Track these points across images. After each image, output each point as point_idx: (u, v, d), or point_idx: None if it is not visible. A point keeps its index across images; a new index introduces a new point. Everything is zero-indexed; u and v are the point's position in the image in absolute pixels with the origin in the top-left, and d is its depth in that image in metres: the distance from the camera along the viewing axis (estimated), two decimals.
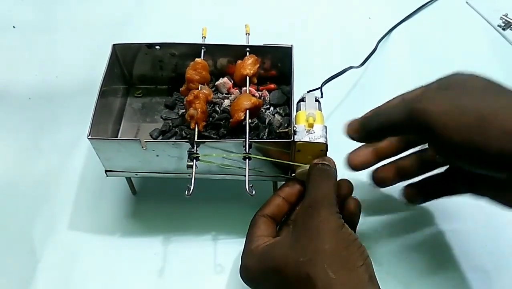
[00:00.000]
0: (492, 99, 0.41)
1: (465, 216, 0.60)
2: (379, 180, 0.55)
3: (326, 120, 0.67)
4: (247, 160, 0.51)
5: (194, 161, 0.51)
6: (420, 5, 0.84)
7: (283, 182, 0.56)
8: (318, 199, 0.46)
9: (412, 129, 0.44)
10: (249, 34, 0.61)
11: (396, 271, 0.56)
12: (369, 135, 0.50)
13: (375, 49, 0.76)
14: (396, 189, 0.60)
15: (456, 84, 0.43)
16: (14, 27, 0.83)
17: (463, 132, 0.40)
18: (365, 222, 0.60)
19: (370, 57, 0.74)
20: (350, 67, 0.66)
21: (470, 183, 0.49)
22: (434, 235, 0.59)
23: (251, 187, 0.49)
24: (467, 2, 0.85)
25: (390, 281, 0.56)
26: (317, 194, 0.47)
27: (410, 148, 0.54)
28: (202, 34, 0.61)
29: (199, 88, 0.57)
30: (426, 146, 0.54)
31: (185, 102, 0.57)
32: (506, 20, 0.80)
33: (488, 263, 0.57)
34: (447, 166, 0.53)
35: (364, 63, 0.73)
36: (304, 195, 0.49)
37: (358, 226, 0.55)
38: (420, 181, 0.55)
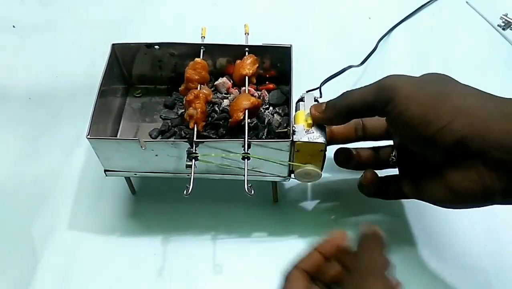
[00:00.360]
0: (450, 85, 0.45)
1: (465, 216, 0.59)
2: (341, 158, 0.58)
3: None
4: (245, 160, 0.51)
5: (193, 160, 0.51)
6: (420, 5, 0.84)
7: (282, 180, 0.56)
8: (368, 267, 0.44)
9: (378, 103, 0.47)
10: (248, 34, 0.61)
11: (396, 270, 0.56)
12: (337, 114, 0.51)
13: (375, 48, 0.76)
14: None
15: (424, 76, 0.47)
16: (14, 27, 0.83)
17: (420, 104, 0.44)
18: (368, 222, 0.60)
19: (370, 56, 0.74)
20: (350, 67, 0.66)
21: (414, 187, 0.50)
22: (434, 235, 0.59)
23: (250, 186, 0.49)
24: (467, 2, 0.85)
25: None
26: (367, 262, 0.45)
27: (361, 140, 0.57)
28: (201, 34, 0.61)
29: (199, 88, 0.57)
30: (382, 144, 0.57)
31: (184, 101, 0.57)
32: (506, 20, 0.80)
33: (488, 263, 0.57)
34: (397, 169, 0.55)
35: (364, 62, 0.72)
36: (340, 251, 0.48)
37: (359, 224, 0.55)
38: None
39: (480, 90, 0.45)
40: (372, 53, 0.75)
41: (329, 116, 0.51)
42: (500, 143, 0.41)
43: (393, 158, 0.56)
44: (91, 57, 0.74)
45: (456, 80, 0.46)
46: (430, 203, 0.49)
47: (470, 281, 0.56)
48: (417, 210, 0.61)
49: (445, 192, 0.45)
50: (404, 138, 0.47)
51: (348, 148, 0.58)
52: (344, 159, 0.58)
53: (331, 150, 0.56)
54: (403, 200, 0.61)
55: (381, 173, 0.56)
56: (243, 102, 0.54)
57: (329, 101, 0.52)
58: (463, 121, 0.42)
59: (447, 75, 0.47)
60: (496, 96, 0.44)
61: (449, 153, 0.43)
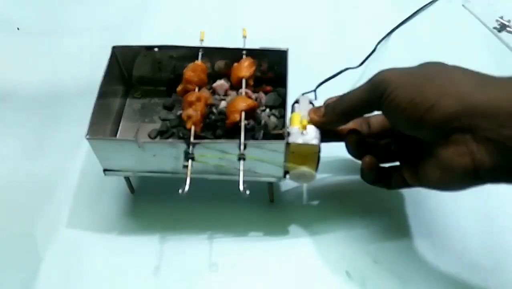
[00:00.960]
0: (437, 67, 0.47)
1: (464, 213, 0.61)
2: (351, 139, 0.57)
3: None
4: (241, 161, 0.52)
5: (190, 161, 0.52)
6: (417, 8, 0.85)
7: (278, 181, 0.57)
8: None
9: (374, 98, 0.48)
10: (245, 37, 0.62)
11: (396, 268, 0.57)
12: (337, 116, 0.52)
13: (374, 51, 0.77)
14: (398, 192, 0.63)
15: (417, 65, 0.49)
16: (18, 29, 0.84)
17: (408, 89, 0.45)
18: (365, 221, 0.61)
19: (368, 58, 0.75)
20: (347, 69, 0.67)
21: (413, 172, 0.51)
22: (432, 232, 0.60)
23: (245, 187, 0.50)
24: (463, 5, 0.85)
25: (390, 277, 0.56)
26: None
27: (367, 137, 0.57)
28: (200, 38, 0.62)
29: (196, 90, 0.58)
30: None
31: (183, 102, 0.58)
32: (501, 22, 0.81)
33: (486, 260, 0.57)
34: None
35: (362, 64, 0.73)
36: None
37: (356, 223, 0.59)
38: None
39: (466, 68, 0.46)
40: (371, 55, 0.76)
41: (329, 119, 0.53)
42: (487, 115, 0.42)
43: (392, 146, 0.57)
44: (95, 59, 0.74)
45: (445, 64, 0.48)
46: (428, 187, 0.50)
47: (468, 278, 0.56)
48: (415, 206, 0.62)
49: (439, 172, 0.46)
50: (398, 124, 0.49)
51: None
52: (355, 139, 0.56)
53: (326, 151, 0.57)
54: (403, 200, 0.62)
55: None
56: (240, 104, 0.55)
57: (327, 104, 0.53)
58: (448, 100, 0.43)
59: (439, 62, 0.48)
60: (481, 73, 0.45)
61: (439, 132, 0.44)
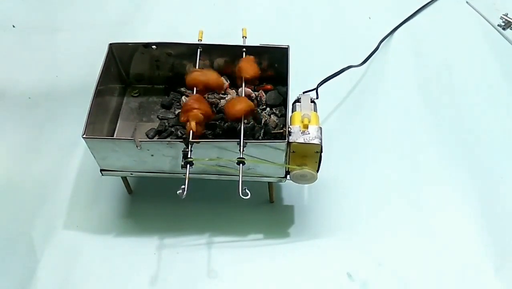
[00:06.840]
0: None
1: (466, 217, 0.61)
2: None
3: (326, 120, 0.67)
4: (240, 165, 0.50)
5: (188, 165, 0.51)
6: (421, 5, 0.84)
7: (279, 181, 0.56)
8: None
9: None
10: (246, 37, 0.61)
11: (397, 270, 0.57)
12: None
13: (377, 49, 0.76)
14: (399, 194, 0.62)
15: None
16: (14, 26, 0.83)
17: None
18: (369, 223, 0.60)
19: (371, 56, 0.74)
20: (349, 67, 0.66)
21: None
22: (434, 235, 0.59)
23: (245, 190, 0.49)
24: (467, 2, 0.85)
25: (391, 279, 0.56)
26: None
27: None
28: (198, 37, 0.61)
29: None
30: None
31: (182, 107, 0.56)
32: (506, 19, 0.80)
33: (488, 263, 0.57)
34: None
35: (365, 62, 0.72)
36: None
37: (358, 225, 0.58)
38: None
39: None
40: (374, 53, 0.75)
41: None
42: None
43: None
44: (92, 57, 0.74)
45: None
46: None
47: (469, 280, 0.56)
48: (417, 208, 0.61)
49: None
50: None
51: None
52: None
53: (328, 151, 0.56)
54: (405, 202, 0.62)
55: None
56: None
57: None
58: None
59: None
60: None
61: None
